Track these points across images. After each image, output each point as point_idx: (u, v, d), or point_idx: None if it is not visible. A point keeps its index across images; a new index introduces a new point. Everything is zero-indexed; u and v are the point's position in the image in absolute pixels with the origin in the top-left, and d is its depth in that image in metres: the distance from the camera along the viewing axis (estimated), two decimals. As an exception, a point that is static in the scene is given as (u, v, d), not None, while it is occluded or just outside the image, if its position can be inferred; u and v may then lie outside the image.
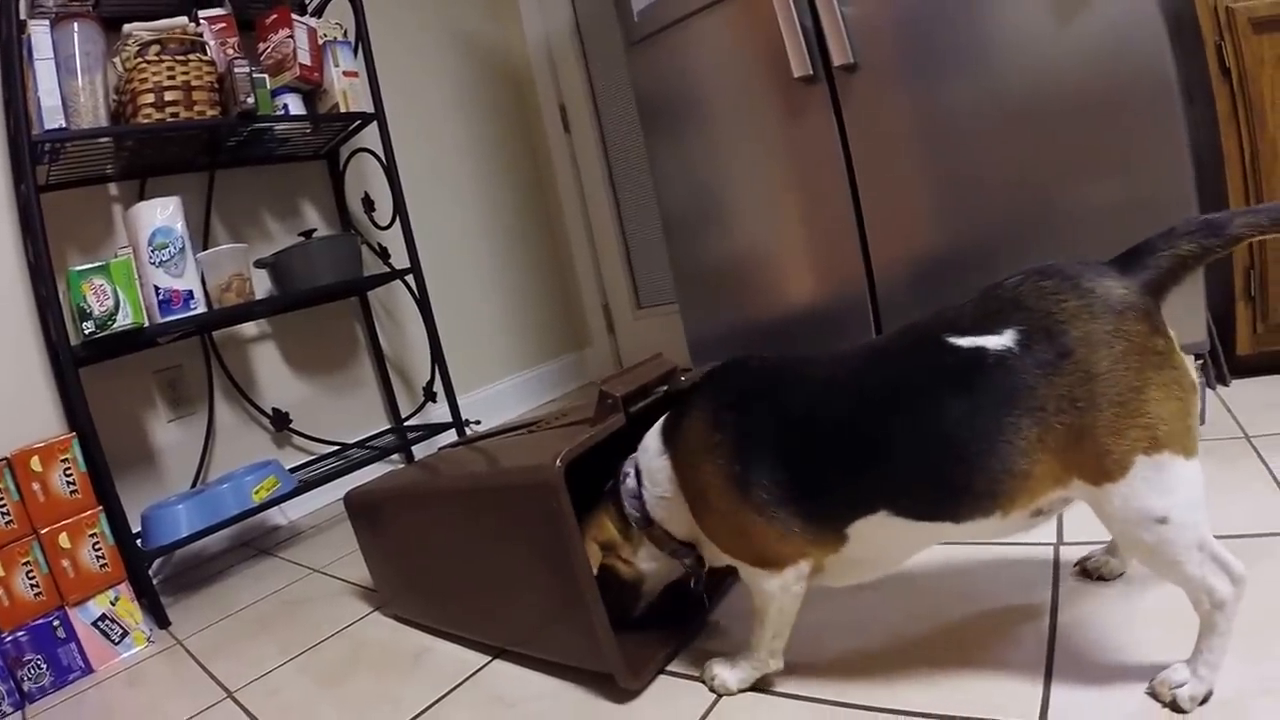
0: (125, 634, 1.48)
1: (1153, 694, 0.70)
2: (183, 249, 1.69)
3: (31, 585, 1.39)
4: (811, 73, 1.44)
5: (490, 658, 1.14)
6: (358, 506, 1.37)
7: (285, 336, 2.15)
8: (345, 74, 1.93)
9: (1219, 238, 0.68)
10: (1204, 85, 1.37)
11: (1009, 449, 0.68)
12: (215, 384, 1.99)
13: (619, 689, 0.95)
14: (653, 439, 0.93)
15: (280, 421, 2.07)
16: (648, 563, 0.98)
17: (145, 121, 1.63)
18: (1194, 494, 0.66)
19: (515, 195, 2.91)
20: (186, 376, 1.95)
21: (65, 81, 1.55)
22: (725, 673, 0.91)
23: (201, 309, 1.70)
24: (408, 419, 2.34)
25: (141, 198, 1.83)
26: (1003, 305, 0.72)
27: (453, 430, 2.16)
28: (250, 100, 1.73)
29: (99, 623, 1.45)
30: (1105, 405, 0.65)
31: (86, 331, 1.54)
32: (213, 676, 1.30)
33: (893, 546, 0.82)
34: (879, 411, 0.74)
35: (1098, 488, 0.67)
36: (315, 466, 2.08)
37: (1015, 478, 0.69)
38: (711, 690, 0.91)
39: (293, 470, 2.01)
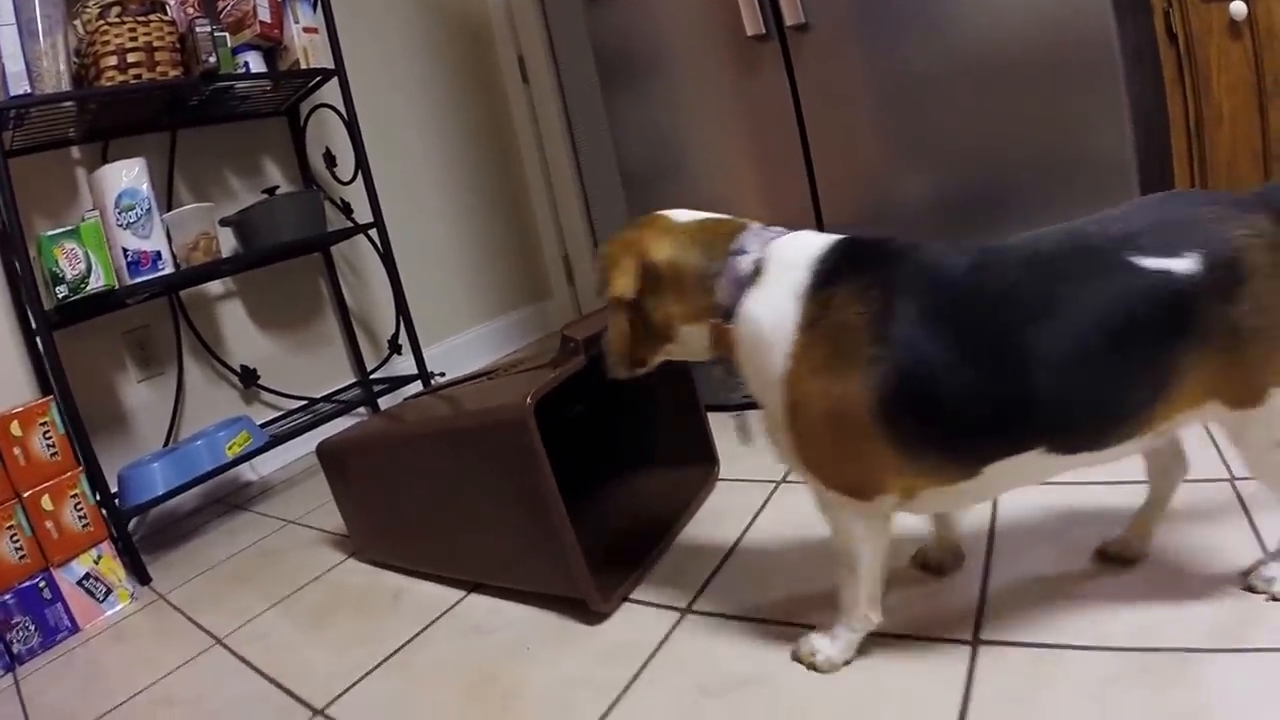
0: (109, 591, 1.55)
1: (1249, 588, 0.79)
2: (149, 210, 1.73)
3: (16, 548, 1.44)
4: (764, 31, 1.50)
5: (466, 592, 1.25)
6: (330, 456, 1.45)
7: (251, 294, 2.19)
8: (305, 30, 1.95)
9: None
10: (1153, 48, 1.44)
11: (1170, 375, 0.68)
12: (183, 343, 2.04)
13: (589, 613, 1.07)
14: (799, 270, 0.77)
15: (249, 378, 2.13)
16: (689, 338, 0.85)
17: (109, 84, 1.65)
18: None
19: (474, 148, 2.94)
20: (155, 336, 1.99)
21: (28, 46, 1.56)
22: (826, 646, 0.84)
23: (169, 269, 1.74)
24: (373, 372, 2.41)
25: (104, 160, 1.85)
26: (1181, 226, 0.69)
27: (418, 382, 2.23)
28: (212, 60, 1.75)
29: (83, 581, 1.52)
30: (1264, 336, 0.67)
31: (60, 296, 1.59)
32: (199, 626, 1.38)
33: (1017, 481, 0.77)
34: (1060, 340, 0.68)
35: (1235, 412, 0.71)
36: (284, 421, 2.15)
37: (1166, 404, 0.70)
38: (814, 668, 0.85)
39: (262, 426, 2.07)
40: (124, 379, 1.94)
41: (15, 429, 1.47)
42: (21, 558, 1.45)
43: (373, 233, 2.13)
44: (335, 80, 2.05)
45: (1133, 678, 0.73)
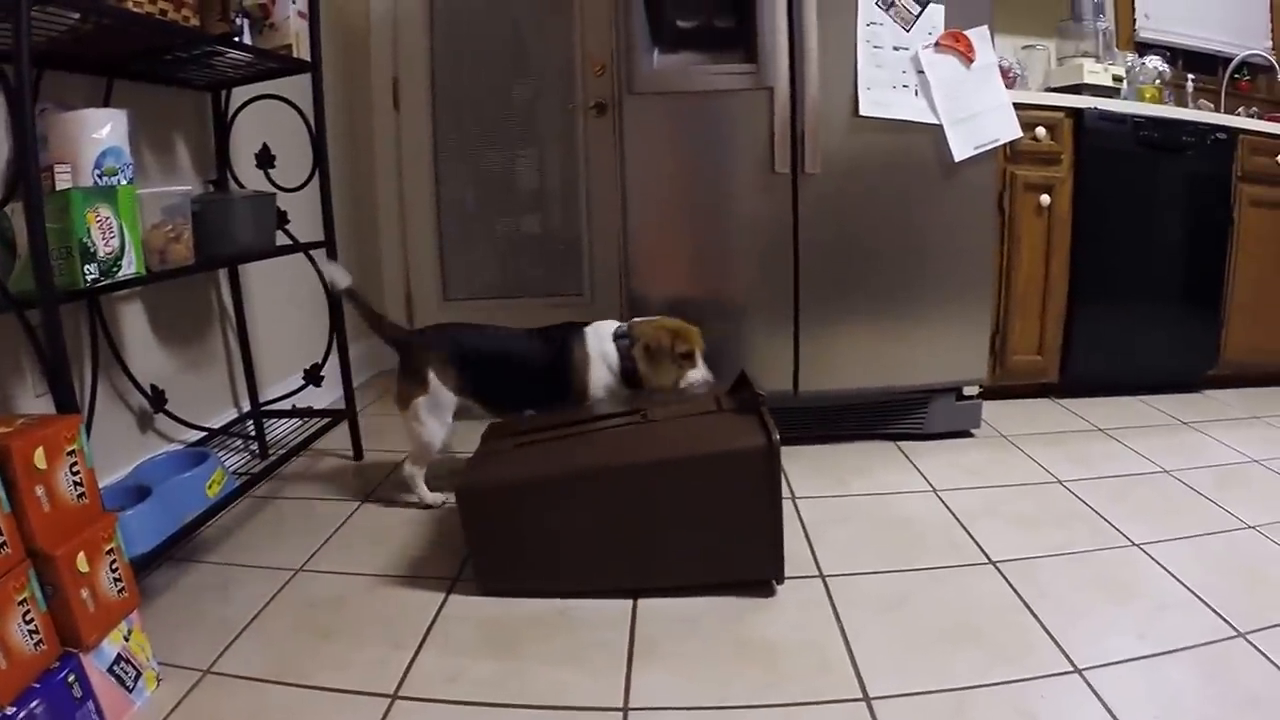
0: (139, 676, 1.11)
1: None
2: (132, 182, 1.31)
3: (30, 632, 0.96)
4: (788, 171, 1.85)
5: (629, 599, 1.31)
6: (485, 497, 1.31)
7: (152, 299, 1.65)
8: (299, 14, 1.64)
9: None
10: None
11: None
12: (87, 355, 1.46)
13: (760, 588, 1.31)
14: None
15: (158, 401, 1.59)
16: None
17: (137, 10, 1.23)
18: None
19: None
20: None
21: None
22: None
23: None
24: (269, 404, 1.96)
25: (34, 95, 1.31)
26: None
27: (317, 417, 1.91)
28: (240, 21, 1.42)
29: (115, 667, 1.07)
30: None
31: (90, 277, 1.12)
32: (332, 687, 1.11)
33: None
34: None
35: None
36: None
37: None
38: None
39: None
40: (22, 391, 1.33)
41: (40, 460, 1.00)
42: (38, 644, 0.97)
43: (319, 253, 1.80)
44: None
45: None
